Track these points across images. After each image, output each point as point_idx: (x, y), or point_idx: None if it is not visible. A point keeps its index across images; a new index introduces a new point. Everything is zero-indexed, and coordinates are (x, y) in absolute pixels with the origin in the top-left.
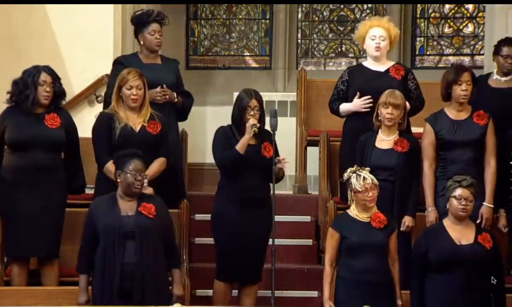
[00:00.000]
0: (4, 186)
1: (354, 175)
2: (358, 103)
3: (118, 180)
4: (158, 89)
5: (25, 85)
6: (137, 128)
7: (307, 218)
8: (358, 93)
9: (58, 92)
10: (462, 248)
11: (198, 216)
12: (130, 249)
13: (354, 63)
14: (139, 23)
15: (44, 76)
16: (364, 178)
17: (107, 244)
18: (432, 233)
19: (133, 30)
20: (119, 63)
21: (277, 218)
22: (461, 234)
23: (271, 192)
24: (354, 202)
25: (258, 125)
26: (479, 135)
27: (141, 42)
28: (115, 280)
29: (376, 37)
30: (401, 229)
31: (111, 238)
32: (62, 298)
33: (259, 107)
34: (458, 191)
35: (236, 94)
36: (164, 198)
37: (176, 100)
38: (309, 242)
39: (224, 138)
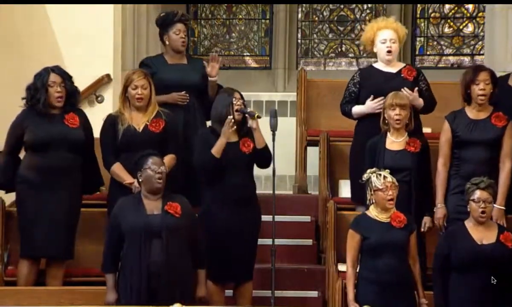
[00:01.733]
0: (24, 186)
1: (375, 174)
2: (372, 105)
3: (140, 180)
4: (182, 93)
5: (36, 89)
6: (140, 128)
7: (307, 218)
8: (372, 95)
9: (71, 90)
10: (483, 248)
11: None
12: (157, 248)
13: (354, 63)
14: (164, 24)
15: (53, 77)
16: (385, 177)
17: (133, 243)
18: (453, 234)
19: (158, 32)
20: (145, 65)
21: (277, 218)
22: (483, 235)
23: (272, 191)
24: (374, 202)
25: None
26: (496, 136)
27: (166, 43)
28: (142, 279)
29: (386, 40)
30: (422, 229)
31: (137, 237)
32: (63, 298)
33: (243, 100)
34: (477, 194)
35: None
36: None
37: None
38: (309, 242)
39: (205, 143)
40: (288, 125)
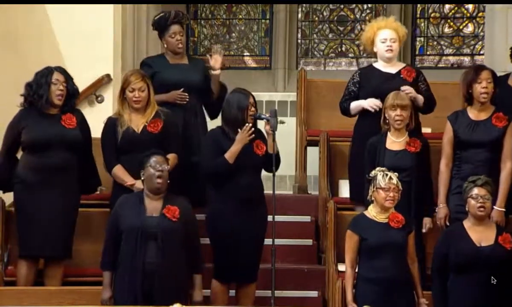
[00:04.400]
0: (21, 186)
1: (382, 173)
2: (373, 100)
3: (143, 179)
4: (179, 91)
5: (38, 85)
6: (139, 130)
7: (307, 218)
8: (379, 99)
9: (72, 91)
10: (482, 250)
11: (199, 216)
12: (152, 249)
13: (354, 63)
14: (159, 28)
15: (56, 75)
16: (391, 178)
17: (129, 242)
18: (452, 235)
19: (157, 34)
20: (146, 65)
21: (277, 218)
22: (482, 236)
23: (272, 191)
24: (374, 201)
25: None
26: (496, 137)
27: (165, 45)
28: (136, 279)
29: (386, 40)
30: (423, 230)
31: (133, 238)
32: (63, 298)
33: (255, 104)
34: (475, 191)
35: None
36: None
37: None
38: (309, 242)
39: (215, 144)
40: (288, 125)
